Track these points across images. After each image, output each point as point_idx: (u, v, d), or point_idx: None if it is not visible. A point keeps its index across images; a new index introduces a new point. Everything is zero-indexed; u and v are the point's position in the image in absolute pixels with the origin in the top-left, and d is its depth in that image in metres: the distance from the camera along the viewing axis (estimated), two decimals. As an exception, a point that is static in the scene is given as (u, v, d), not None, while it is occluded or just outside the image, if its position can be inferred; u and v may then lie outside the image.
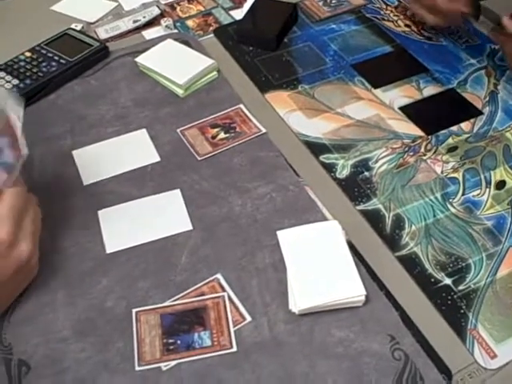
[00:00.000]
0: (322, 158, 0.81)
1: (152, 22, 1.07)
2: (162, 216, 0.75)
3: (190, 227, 0.73)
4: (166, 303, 0.65)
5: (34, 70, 0.92)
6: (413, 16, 1.06)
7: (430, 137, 0.84)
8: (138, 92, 0.92)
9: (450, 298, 0.66)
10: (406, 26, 1.04)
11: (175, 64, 0.93)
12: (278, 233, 0.70)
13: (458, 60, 0.97)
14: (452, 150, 0.82)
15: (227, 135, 0.84)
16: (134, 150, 0.83)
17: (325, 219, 0.73)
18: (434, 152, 0.82)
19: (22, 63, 0.94)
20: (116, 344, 0.63)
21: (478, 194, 0.76)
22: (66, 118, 0.88)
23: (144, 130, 0.85)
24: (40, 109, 0.90)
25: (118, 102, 0.90)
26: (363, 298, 0.64)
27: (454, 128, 0.85)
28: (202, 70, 0.92)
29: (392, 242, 0.71)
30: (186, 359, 0.61)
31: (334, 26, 1.05)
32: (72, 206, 0.76)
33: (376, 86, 0.92)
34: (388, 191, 0.77)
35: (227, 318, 0.64)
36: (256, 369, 0.60)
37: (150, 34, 1.05)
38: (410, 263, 0.69)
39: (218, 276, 0.68)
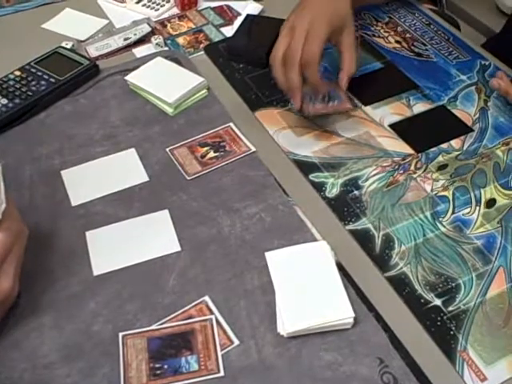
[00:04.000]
0: (311, 176, 0.81)
1: (143, 40, 1.07)
2: (151, 237, 0.74)
3: (179, 248, 0.73)
4: (153, 327, 0.65)
5: (24, 90, 0.92)
6: (403, 33, 1.06)
7: (420, 154, 0.84)
8: (127, 111, 0.92)
9: (439, 319, 0.65)
10: (397, 42, 1.04)
11: (165, 82, 0.93)
12: (267, 254, 0.70)
13: (449, 76, 0.97)
14: (442, 167, 0.82)
15: (216, 154, 0.84)
16: (122, 169, 0.83)
17: (314, 239, 0.73)
18: (424, 170, 0.81)
19: (12, 82, 0.94)
20: (102, 369, 0.62)
21: (468, 213, 0.76)
22: (54, 137, 0.88)
23: (133, 150, 0.85)
24: (29, 128, 0.90)
25: (107, 121, 0.90)
26: (352, 320, 0.63)
27: (444, 145, 0.85)
28: (191, 88, 0.92)
29: (381, 262, 0.71)
30: (172, 384, 0.60)
31: (324, 42, 1.05)
32: (60, 227, 0.76)
33: (366, 103, 0.92)
34: (378, 210, 0.76)
35: (215, 342, 0.63)
36: (243, 394, 0.60)
37: (140, 51, 1.05)
38: (400, 284, 0.69)
39: (206, 298, 0.67)
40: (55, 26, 1.11)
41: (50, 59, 0.99)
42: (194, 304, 0.67)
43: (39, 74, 0.95)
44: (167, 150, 0.85)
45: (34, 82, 0.94)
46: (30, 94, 0.92)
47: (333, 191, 0.79)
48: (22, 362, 0.63)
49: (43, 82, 0.94)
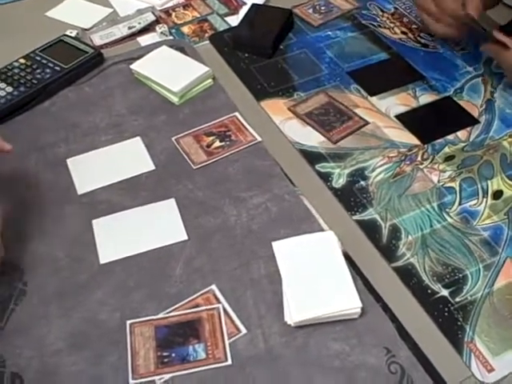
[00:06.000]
0: (317, 166, 0.81)
1: (147, 29, 1.06)
2: (157, 226, 0.74)
3: (185, 237, 0.72)
4: (161, 315, 0.65)
5: (29, 77, 0.92)
6: (409, 23, 1.06)
7: (426, 146, 0.83)
8: (132, 99, 0.92)
9: (446, 309, 0.65)
10: (403, 33, 1.04)
11: (170, 71, 0.93)
12: (274, 244, 0.70)
13: (455, 67, 0.96)
14: (449, 158, 0.81)
15: (222, 143, 0.84)
16: (128, 158, 0.82)
17: (321, 229, 0.73)
18: (431, 161, 0.81)
19: (17, 70, 0.93)
20: (110, 357, 0.62)
21: (475, 204, 0.76)
22: (60, 125, 0.87)
23: (138, 138, 0.85)
24: (34, 116, 0.89)
25: (112, 110, 0.90)
26: (359, 310, 0.63)
27: (451, 137, 0.85)
28: (197, 77, 0.92)
29: (388, 252, 0.71)
30: (180, 372, 0.60)
31: (329, 32, 1.04)
32: (66, 215, 0.76)
33: (372, 94, 0.92)
34: (384, 201, 0.76)
35: (222, 330, 0.63)
36: (251, 382, 0.60)
37: (145, 40, 1.04)
38: (407, 274, 0.69)
39: (213, 287, 0.67)
40: (59, 14, 1.10)
41: (54, 47, 0.98)
42: (200, 293, 0.67)
43: (44, 62, 0.95)
44: (173, 139, 0.85)
45: (38, 70, 0.93)
46: (35, 81, 0.91)
47: (339, 181, 0.79)
48: (29, 349, 0.63)
49: (48, 70, 0.93)
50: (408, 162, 0.81)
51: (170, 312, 0.65)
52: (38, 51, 0.97)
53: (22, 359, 0.62)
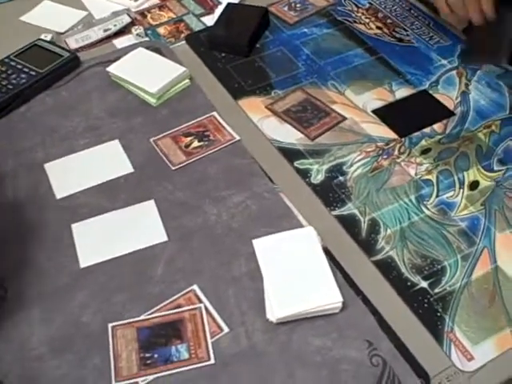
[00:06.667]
0: (296, 163, 0.81)
1: (123, 31, 1.06)
2: (137, 228, 0.74)
3: (166, 238, 0.73)
4: (143, 317, 0.65)
5: (4, 83, 0.91)
6: (384, 18, 1.06)
7: (403, 139, 0.84)
8: (110, 102, 0.91)
9: (426, 301, 0.66)
10: (378, 28, 1.04)
11: (147, 73, 0.93)
12: (254, 241, 0.70)
13: (430, 61, 0.97)
14: (425, 151, 0.82)
15: (201, 143, 0.84)
16: (106, 161, 0.82)
17: (300, 226, 0.73)
18: (408, 154, 0.82)
19: (-9, 76, 0.93)
20: (92, 360, 0.62)
21: (452, 196, 0.76)
22: (37, 130, 0.87)
23: (117, 141, 0.85)
24: (11, 122, 0.89)
25: (89, 113, 0.90)
26: (340, 304, 0.64)
27: (427, 130, 0.85)
28: (174, 78, 0.92)
29: (368, 246, 0.71)
30: (163, 373, 0.60)
31: (305, 29, 1.05)
32: (45, 220, 0.75)
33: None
34: (363, 195, 0.77)
35: (204, 330, 0.63)
36: (234, 380, 0.60)
37: (121, 42, 1.04)
38: (386, 267, 0.69)
39: (195, 287, 0.67)
40: (34, 18, 1.09)
41: (29, 52, 0.98)
42: (182, 293, 0.67)
43: (19, 67, 0.94)
44: (151, 140, 0.85)
45: (14, 76, 0.93)
46: (11, 87, 0.91)
47: (318, 177, 0.79)
48: (11, 354, 0.63)
49: (23, 75, 0.93)
50: (385, 156, 0.82)
51: (152, 313, 0.65)
52: (13, 56, 0.96)
53: (4, 364, 0.62)
